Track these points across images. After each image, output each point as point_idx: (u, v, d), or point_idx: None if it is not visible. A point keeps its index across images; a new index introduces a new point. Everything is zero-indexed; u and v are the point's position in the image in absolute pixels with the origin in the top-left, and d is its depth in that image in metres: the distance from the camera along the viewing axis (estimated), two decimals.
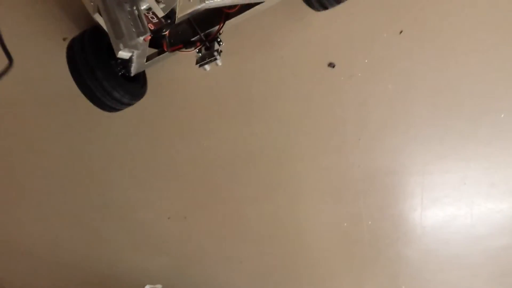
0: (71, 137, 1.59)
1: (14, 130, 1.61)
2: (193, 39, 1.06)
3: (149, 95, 1.40)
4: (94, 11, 0.81)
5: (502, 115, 1.44)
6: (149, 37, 0.83)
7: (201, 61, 1.03)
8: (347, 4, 1.17)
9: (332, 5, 1.08)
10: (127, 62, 1.16)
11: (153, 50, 1.18)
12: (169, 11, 0.85)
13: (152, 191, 1.71)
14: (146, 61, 1.19)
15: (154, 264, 1.89)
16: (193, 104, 1.51)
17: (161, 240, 1.82)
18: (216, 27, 1.06)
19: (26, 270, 2.00)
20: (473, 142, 1.50)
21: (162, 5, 0.82)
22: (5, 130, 1.61)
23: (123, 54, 0.78)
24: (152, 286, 1.82)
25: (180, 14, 0.84)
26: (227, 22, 1.08)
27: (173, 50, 1.10)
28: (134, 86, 1.25)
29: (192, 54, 1.10)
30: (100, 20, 0.81)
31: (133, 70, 1.21)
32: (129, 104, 1.25)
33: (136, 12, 0.78)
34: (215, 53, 1.02)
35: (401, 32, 1.32)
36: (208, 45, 1.04)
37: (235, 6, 1.03)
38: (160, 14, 0.84)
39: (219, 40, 1.07)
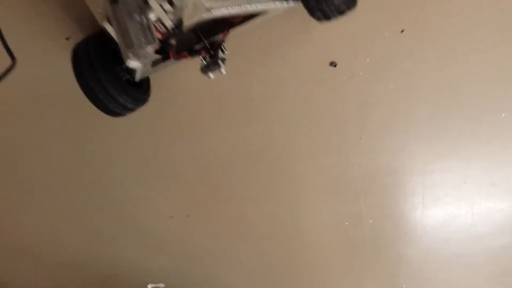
0: (73, 136, 1.59)
1: (15, 130, 1.61)
2: (197, 46, 1.07)
3: (150, 96, 1.40)
4: (103, 20, 0.81)
5: (503, 115, 1.44)
6: (157, 47, 0.83)
7: (205, 69, 1.04)
8: None
9: (334, 16, 1.08)
10: (132, 68, 1.17)
11: (158, 56, 1.18)
12: (176, 20, 0.86)
13: (154, 191, 1.71)
14: (151, 68, 1.19)
15: (156, 263, 1.89)
16: (194, 104, 1.51)
17: (163, 240, 1.83)
18: (221, 36, 1.07)
19: (28, 270, 2.00)
20: (474, 141, 1.50)
21: (170, 16, 0.83)
22: (6, 129, 1.61)
23: (133, 63, 0.79)
24: (154, 285, 1.83)
25: (187, 23, 0.86)
26: (231, 31, 1.09)
27: (179, 58, 1.10)
28: (138, 91, 1.25)
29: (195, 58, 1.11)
30: (109, 28, 0.82)
31: (138, 76, 1.22)
32: (132, 110, 1.26)
33: (145, 21, 0.79)
34: (219, 61, 1.03)
35: (402, 31, 1.32)
36: (212, 53, 1.05)
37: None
38: (169, 24, 0.85)
39: (223, 48, 1.08)
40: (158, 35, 0.86)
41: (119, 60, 1.12)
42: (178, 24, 0.85)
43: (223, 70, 1.03)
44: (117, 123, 1.53)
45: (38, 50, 1.41)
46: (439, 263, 1.81)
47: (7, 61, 0.87)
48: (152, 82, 1.41)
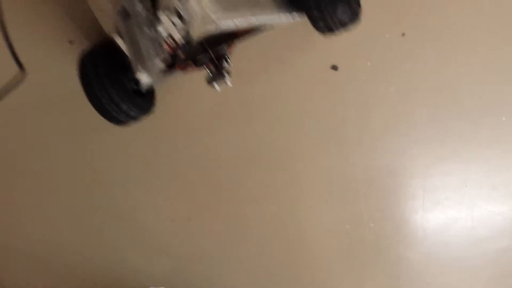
0: (74, 138, 1.59)
1: (16, 131, 1.61)
2: (202, 57, 1.07)
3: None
4: (114, 33, 0.81)
5: (503, 118, 1.45)
6: (167, 60, 0.84)
7: (211, 80, 1.05)
8: None
9: (338, 29, 1.10)
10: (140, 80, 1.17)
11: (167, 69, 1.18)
12: (185, 34, 0.86)
13: (155, 193, 1.70)
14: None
15: (157, 266, 1.88)
16: (196, 105, 1.52)
17: (165, 242, 1.82)
18: (225, 47, 1.07)
19: (27, 272, 1.99)
20: (474, 144, 1.51)
21: (180, 30, 0.83)
22: (7, 132, 1.61)
23: (143, 76, 0.80)
24: None
25: (195, 36, 0.86)
26: (236, 43, 1.10)
27: (186, 71, 1.10)
28: (144, 101, 1.26)
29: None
30: (119, 41, 0.82)
31: (144, 86, 1.21)
32: (136, 119, 1.26)
33: (155, 35, 0.79)
34: (225, 73, 1.03)
35: (403, 34, 1.33)
36: (217, 64, 1.05)
37: None
38: (179, 38, 0.85)
39: (228, 59, 1.08)
40: (168, 49, 0.86)
41: (125, 70, 1.12)
42: (187, 37, 0.85)
43: (228, 82, 1.03)
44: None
45: (40, 52, 1.41)
46: (440, 266, 1.81)
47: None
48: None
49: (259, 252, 1.83)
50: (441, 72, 1.39)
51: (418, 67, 1.38)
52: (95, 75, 1.16)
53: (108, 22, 1.06)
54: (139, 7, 0.78)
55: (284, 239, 1.78)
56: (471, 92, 1.42)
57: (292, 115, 1.51)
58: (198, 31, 0.84)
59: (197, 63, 1.04)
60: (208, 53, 1.05)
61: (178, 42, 0.85)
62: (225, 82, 1.04)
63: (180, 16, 0.80)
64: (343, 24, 1.09)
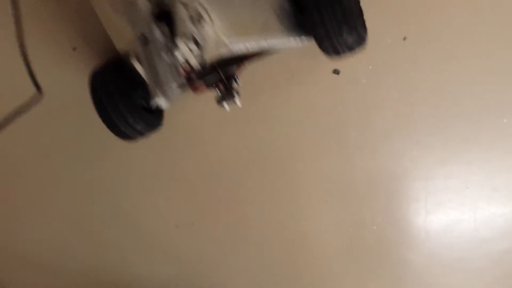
0: (78, 144, 1.60)
1: (19, 135, 1.61)
2: (211, 78, 1.09)
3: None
4: (132, 57, 0.84)
5: (505, 120, 1.45)
6: (183, 84, 0.86)
7: (221, 100, 1.07)
8: None
9: (344, 52, 1.13)
10: (149, 96, 1.18)
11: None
12: (200, 59, 0.88)
13: (159, 198, 1.71)
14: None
15: (162, 271, 1.88)
16: (198, 111, 1.52)
17: (168, 247, 1.83)
18: (235, 67, 1.09)
19: (31, 278, 1.99)
20: (476, 146, 1.51)
21: (197, 56, 0.85)
22: (9, 136, 1.61)
23: (161, 102, 0.81)
24: None
25: (208, 59, 0.88)
26: (246, 64, 1.13)
27: (198, 91, 1.12)
28: (153, 117, 1.28)
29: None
30: (137, 66, 0.84)
31: (155, 104, 1.22)
32: (144, 135, 1.28)
33: (173, 61, 0.81)
34: (234, 93, 1.05)
35: (404, 38, 1.34)
36: (227, 85, 1.07)
37: None
38: (194, 63, 0.87)
39: (237, 80, 1.10)
40: (183, 73, 0.88)
41: (136, 86, 1.16)
42: (202, 62, 0.87)
43: (238, 102, 1.05)
44: None
45: (43, 59, 1.41)
46: (442, 267, 1.81)
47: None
48: None
49: (262, 256, 1.83)
50: (442, 75, 1.40)
51: (420, 70, 1.39)
52: (106, 91, 1.18)
53: (121, 41, 1.09)
54: (158, 34, 0.80)
55: (287, 242, 1.79)
56: (472, 94, 1.42)
57: (293, 118, 1.52)
58: (211, 55, 0.87)
59: (208, 84, 1.07)
60: (218, 73, 1.07)
61: (194, 67, 0.87)
62: (235, 102, 1.06)
63: (196, 42, 0.82)
64: (349, 48, 1.12)
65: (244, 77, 1.30)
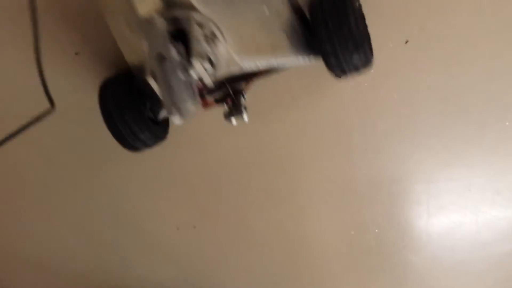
0: (79, 145, 1.59)
1: (21, 139, 1.61)
2: (220, 93, 1.10)
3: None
4: (148, 75, 0.84)
5: (507, 123, 1.45)
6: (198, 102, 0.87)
7: (228, 115, 1.08)
8: None
9: (351, 73, 1.16)
10: (157, 108, 1.22)
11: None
12: (214, 78, 0.90)
13: (161, 201, 1.71)
14: None
15: (163, 273, 1.89)
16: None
17: (170, 249, 1.83)
18: (243, 83, 1.11)
19: (32, 278, 2.00)
20: (478, 149, 1.51)
21: (211, 75, 0.86)
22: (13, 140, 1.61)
23: (176, 119, 0.82)
24: None
25: (219, 76, 0.89)
26: (254, 81, 1.15)
27: (207, 106, 1.14)
28: (159, 129, 1.30)
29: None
30: (153, 83, 0.85)
31: (161, 116, 1.26)
32: (150, 146, 1.30)
33: (188, 79, 0.82)
34: (242, 108, 1.07)
35: (406, 42, 1.34)
36: (235, 100, 1.09)
37: None
38: (208, 82, 0.88)
39: (244, 95, 1.12)
40: (197, 90, 0.89)
41: (144, 99, 1.20)
42: (215, 80, 0.89)
43: (245, 117, 1.07)
44: None
45: (47, 64, 1.41)
46: (444, 270, 1.82)
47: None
48: None
49: (264, 259, 1.83)
50: (444, 78, 1.39)
51: (422, 73, 1.39)
52: (115, 102, 1.21)
53: (132, 55, 1.11)
54: (174, 53, 0.80)
55: (289, 245, 1.79)
56: (475, 97, 1.42)
57: (294, 120, 1.52)
58: (222, 72, 0.89)
59: (217, 99, 1.09)
60: (227, 89, 1.09)
61: (208, 85, 0.88)
62: (242, 118, 1.08)
63: (210, 61, 0.84)
64: (356, 69, 1.15)
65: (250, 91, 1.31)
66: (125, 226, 1.79)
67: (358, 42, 1.08)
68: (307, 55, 1.15)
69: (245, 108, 1.08)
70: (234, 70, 0.92)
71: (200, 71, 0.84)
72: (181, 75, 0.81)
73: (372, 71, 1.39)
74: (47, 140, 1.60)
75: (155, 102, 1.21)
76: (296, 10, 1.19)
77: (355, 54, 1.09)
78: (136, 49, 1.03)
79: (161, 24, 0.83)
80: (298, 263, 1.84)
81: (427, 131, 1.49)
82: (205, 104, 1.13)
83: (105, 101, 1.24)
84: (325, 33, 1.07)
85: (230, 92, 1.06)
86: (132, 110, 1.21)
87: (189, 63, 0.82)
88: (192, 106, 0.83)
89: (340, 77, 1.19)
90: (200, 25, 0.84)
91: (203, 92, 1.01)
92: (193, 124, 1.54)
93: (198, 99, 0.86)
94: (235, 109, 1.08)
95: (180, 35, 0.84)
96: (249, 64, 0.94)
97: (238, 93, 1.08)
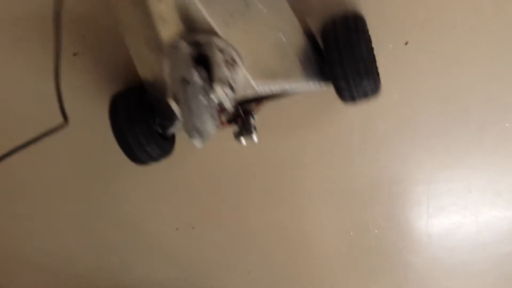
0: (79, 146, 1.59)
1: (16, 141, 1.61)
2: (232, 113, 1.12)
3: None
4: (170, 98, 0.86)
5: (507, 124, 1.45)
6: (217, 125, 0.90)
7: (238, 135, 1.10)
8: None
9: (359, 99, 1.20)
10: (166, 124, 1.24)
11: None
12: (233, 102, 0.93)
13: (160, 201, 1.71)
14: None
15: (162, 274, 1.89)
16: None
17: (169, 250, 1.83)
18: (254, 105, 1.14)
19: (31, 280, 2.00)
20: (478, 150, 1.51)
21: (230, 100, 0.89)
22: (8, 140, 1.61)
23: (197, 143, 0.83)
24: None
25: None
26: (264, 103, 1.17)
27: (220, 127, 1.14)
28: (166, 143, 1.32)
29: None
30: (175, 107, 0.87)
31: (170, 132, 1.29)
32: (156, 160, 1.33)
33: (209, 103, 0.84)
34: (252, 128, 1.09)
35: (406, 43, 1.33)
36: (245, 120, 1.11)
37: None
38: (229, 108, 0.91)
39: (253, 115, 1.13)
40: (217, 114, 0.92)
41: (154, 113, 1.23)
42: (234, 104, 0.92)
43: (255, 138, 1.08)
44: None
45: (44, 64, 1.41)
46: (444, 271, 1.82)
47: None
48: None
49: (263, 259, 1.83)
50: (444, 79, 1.39)
51: (422, 74, 1.39)
52: (126, 114, 1.24)
53: (146, 71, 1.14)
54: (197, 77, 0.82)
55: (288, 246, 1.79)
56: (475, 98, 1.42)
57: (295, 122, 1.52)
58: (239, 95, 0.92)
59: (229, 120, 1.11)
60: (238, 110, 1.11)
61: (228, 109, 0.91)
62: (252, 138, 1.09)
63: (231, 87, 0.86)
64: (365, 95, 1.19)
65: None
66: (125, 227, 1.79)
67: (368, 68, 1.14)
68: (317, 81, 1.20)
69: (255, 128, 1.10)
70: (249, 93, 0.95)
71: (221, 95, 0.86)
72: (203, 99, 0.82)
73: None
74: (48, 140, 1.59)
75: (165, 118, 1.23)
76: (309, 36, 1.24)
77: (365, 79, 1.14)
78: (152, 68, 1.06)
79: (185, 49, 0.85)
80: (297, 263, 1.84)
81: (427, 132, 1.49)
82: (221, 125, 1.15)
83: (116, 113, 1.27)
84: (337, 57, 1.12)
85: (240, 113, 1.07)
86: (142, 123, 1.24)
87: (211, 87, 0.84)
88: (212, 129, 0.85)
89: (349, 102, 1.23)
90: (221, 51, 0.87)
91: (219, 113, 1.03)
92: None
93: (219, 122, 0.89)
94: (245, 130, 1.09)
95: (202, 60, 0.86)
96: (264, 88, 0.98)
97: (248, 114, 1.10)
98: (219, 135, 1.55)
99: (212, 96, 0.85)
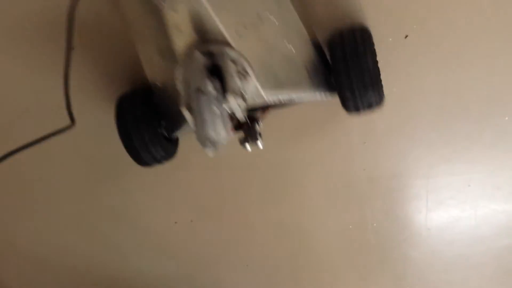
0: (80, 142, 1.59)
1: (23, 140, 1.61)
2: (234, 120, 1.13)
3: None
4: (183, 107, 0.87)
5: (506, 118, 1.45)
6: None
7: (243, 141, 1.10)
8: None
9: (364, 109, 1.22)
10: (172, 127, 1.26)
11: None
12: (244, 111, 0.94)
13: (158, 195, 1.71)
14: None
15: (161, 268, 1.89)
16: None
17: (168, 244, 1.83)
18: (260, 112, 1.15)
19: (31, 276, 2.01)
20: (477, 144, 1.51)
21: (243, 110, 0.90)
22: (13, 139, 1.61)
23: (210, 152, 0.85)
24: None
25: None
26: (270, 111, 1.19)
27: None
28: (170, 145, 1.35)
29: None
30: (188, 116, 0.87)
31: (175, 135, 1.31)
32: (160, 162, 1.35)
33: (222, 113, 0.85)
34: (257, 135, 1.09)
35: (406, 37, 1.33)
36: (251, 127, 1.11)
37: None
38: (241, 118, 0.93)
39: (259, 122, 1.14)
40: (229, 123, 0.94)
41: (160, 116, 1.25)
42: (245, 113, 0.94)
43: (260, 145, 1.09)
44: None
45: (42, 59, 1.41)
46: (444, 264, 1.82)
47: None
48: None
49: (262, 253, 1.84)
50: (444, 72, 1.39)
51: (421, 68, 1.38)
52: (132, 117, 1.26)
53: (155, 74, 1.16)
54: (211, 88, 0.83)
55: (287, 240, 1.79)
56: (475, 92, 1.41)
57: (293, 117, 1.51)
58: (248, 104, 0.93)
59: (235, 127, 1.11)
60: (244, 117, 1.10)
61: (239, 119, 0.93)
62: (257, 144, 1.10)
63: (243, 97, 0.87)
64: (369, 106, 1.21)
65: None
66: (123, 221, 1.79)
67: (373, 79, 1.16)
68: (323, 91, 1.22)
69: (260, 135, 1.11)
70: (258, 102, 0.97)
71: (234, 106, 0.87)
72: (216, 110, 0.83)
73: None
74: (49, 142, 1.59)
75: (172, 121, 1.25)
76: (317, 48, 1.27)
77: (370, 90, 1.17)
78: (163, 75, 1.08)
79: (200, 59, 0.86)
80: (296, 258, 1.84)
81: (427, 126, 1.48)
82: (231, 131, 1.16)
83: (122, 114, 1.29)
84: (344, 68, 1.15)
85: (247, 120, 1.08)
86: (147, 125, 1.26)
87: (225, 98, 0.85)
88: (225, 139, 0.86)
89: (353, 112, 1.25)
90: (234, 61, 0.88)
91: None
92: None
93: (231, 132, 0.91)
94: (251, 136, 1.09)
95: (215, 70, 0.87)
96: (273, 98, 1.00)
97: (254, 121, 1.10)
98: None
99: (225, 106, 0.86)
